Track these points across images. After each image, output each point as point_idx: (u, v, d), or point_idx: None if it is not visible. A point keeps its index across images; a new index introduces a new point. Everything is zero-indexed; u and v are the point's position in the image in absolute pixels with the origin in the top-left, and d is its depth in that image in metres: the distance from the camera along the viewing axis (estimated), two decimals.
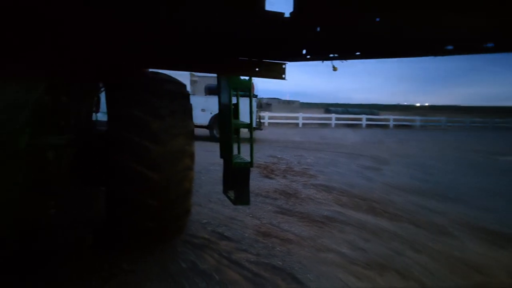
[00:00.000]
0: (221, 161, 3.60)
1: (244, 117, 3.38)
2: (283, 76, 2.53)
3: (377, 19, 1.34)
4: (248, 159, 3.27)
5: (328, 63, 2.05)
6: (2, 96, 1.93)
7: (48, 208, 2.14)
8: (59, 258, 3.05)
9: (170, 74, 3.20)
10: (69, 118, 2.75)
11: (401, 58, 1.67)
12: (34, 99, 1.94)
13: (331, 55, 1.89)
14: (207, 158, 8.06)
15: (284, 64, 2.53)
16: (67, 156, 2.52)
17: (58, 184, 2.23)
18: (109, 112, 2.97)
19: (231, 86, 3.25)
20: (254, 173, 5.42)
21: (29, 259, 2.69)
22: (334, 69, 2.04)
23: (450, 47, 1.20)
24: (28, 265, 2.70)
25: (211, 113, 13.11)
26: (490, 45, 1.09)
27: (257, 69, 2.43)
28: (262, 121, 23.35)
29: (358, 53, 1.67)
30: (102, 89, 4.16)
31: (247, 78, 3.20)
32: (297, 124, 25.29)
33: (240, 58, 2.38)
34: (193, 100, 3.40)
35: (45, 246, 2.94)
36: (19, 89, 2.01)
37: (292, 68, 2.52)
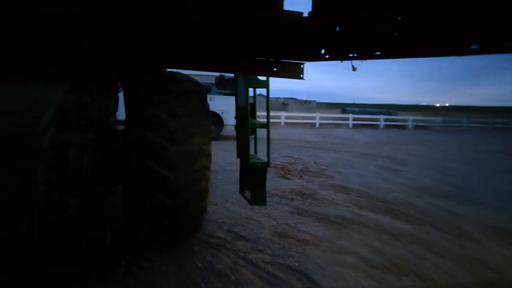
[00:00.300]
0: (238, 161, 3.60)
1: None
2: (301, 76, 2.51)
3: (399, 18, 1.31)
4: (264, 159, 3.26)
5: (347, 62, 2.02)
6: (25, 96, 1.97)
7: (69, 208, 2.17)
8: (78, 256, 3.11)
9: None
10: (91, 118, 2.80)
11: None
12: (57, 98, 1.98)
13: (351, 55, 1.86)
14: (225, 158, 8.08)
15: (302, 64, 2.50)
16: (88, 155, 2.56)
17: (79, 183, 2.27)
18: (127, 111, 3.00)
19: (248, 86, 3.24)
20: (270, 173, 5.39)
21: (49, 257, 2.75)
22: (354, 69, 2.01)
23: (475, 47, 1.16)
24: (49, 263, 2.76)
25: None
26: None
27: (275, 69, 2.42)
28: (278, 121, 23.31)
29: (378, 53, 1.64)
30: (121, 88, 4.22)
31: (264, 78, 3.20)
32: (313, 124, 25.10)
33: (257, 58, 2.37)
34: None
35: (65, 245, 3.00)
36: (42, 88, 2.05)
37: (309, 67, 2.50)
